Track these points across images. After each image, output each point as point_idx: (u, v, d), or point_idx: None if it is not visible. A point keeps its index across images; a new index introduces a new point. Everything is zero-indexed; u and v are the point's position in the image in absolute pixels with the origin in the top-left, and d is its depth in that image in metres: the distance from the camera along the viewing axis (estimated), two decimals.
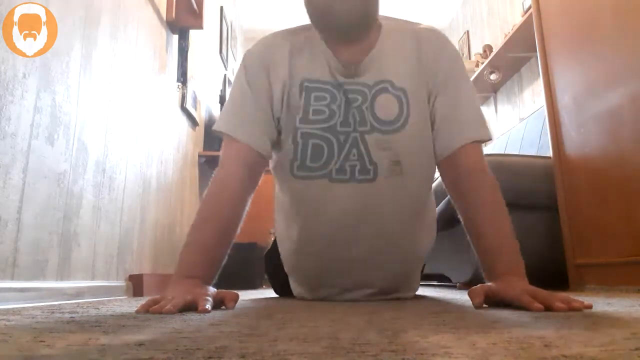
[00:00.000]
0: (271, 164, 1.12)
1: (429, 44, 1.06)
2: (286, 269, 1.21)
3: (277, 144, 1.07)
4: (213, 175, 1.00)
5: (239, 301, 0.88)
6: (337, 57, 1.02)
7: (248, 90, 1.04)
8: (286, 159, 1.05)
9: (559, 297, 0.73)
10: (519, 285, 0.78)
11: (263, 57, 1.05)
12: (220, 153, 1.03)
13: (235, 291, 0.88)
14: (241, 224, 0.99)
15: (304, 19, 1.07)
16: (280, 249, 1.20)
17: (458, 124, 1.02)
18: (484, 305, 0.82)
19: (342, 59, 1.02)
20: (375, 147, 1.01)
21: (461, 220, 0.99)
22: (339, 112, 1.02)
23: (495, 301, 0.81)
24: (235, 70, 4.27)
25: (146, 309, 0.75)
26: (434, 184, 1.19)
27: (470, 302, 0.83)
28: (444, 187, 1.07)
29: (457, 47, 1.13)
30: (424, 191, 1.11)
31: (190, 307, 0.76)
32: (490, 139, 1.06)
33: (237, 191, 0.98)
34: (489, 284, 0.85)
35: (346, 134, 1.01)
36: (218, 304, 0.83)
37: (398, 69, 1.04)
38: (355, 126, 1.01)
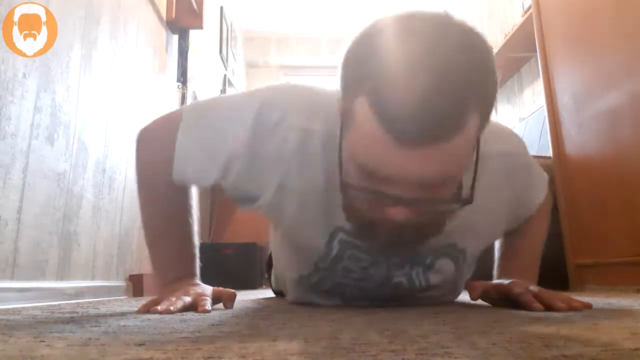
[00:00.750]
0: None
1: (520, 186, 0.84)
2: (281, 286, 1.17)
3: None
4: (140, 140, 0.86)
5: (239, 301, 0.88)
6: None
7: (240, 156, 0.75)
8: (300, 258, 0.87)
9: (559, 297, 0.73)
10: (522, 284, 0.78)
11: (277, 149, 0.75)
12: (164, 119, 0.85)
13: (235, 291, 0.88)
14: (197, 210, 0.89)
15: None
16: (274, 258, 1.17)
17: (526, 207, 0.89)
18: (484, 303, 0.82)
19: None
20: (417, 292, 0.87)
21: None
22: (378, 274, 0.82)
23: (495, 298, 0.81)
24: (235, 71, 4.28)
25: (146, 309, 0.75)
26: None
27: (470, 303, 0.83)
28: None
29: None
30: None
31: (190, 307, 0.76)
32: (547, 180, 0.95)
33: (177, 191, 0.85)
34: (492, 281, 0.85)
35: (388, 277, 0.83)
36: (215, 301, 0.83)
37: (472, 230, 0.81)
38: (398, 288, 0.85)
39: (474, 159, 0.64)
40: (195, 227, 0.87)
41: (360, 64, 0.57)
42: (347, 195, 0.66)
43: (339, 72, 0.61)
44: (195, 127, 0.77)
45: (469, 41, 0.56)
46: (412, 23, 0.57)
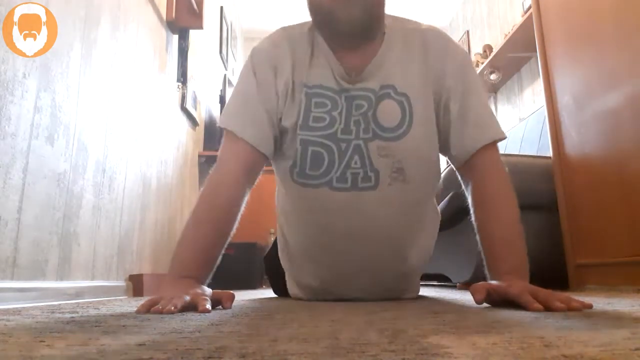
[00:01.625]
0: (273, 165, 1.11)
1: (435, 46, 1.03)
2: (284, 269, 1.21)
3: (278, 145, 1.06)
4: (211, 171, 0.99)
5: (239, 301, 0.88)
6: (341, 61, 1.00)
7: (255, 88, 1.01)
8: (286, 164, 1.04)
9: (559, 297, 0.73)
10: (520, 284, 0.78)
11: (271, 56, 1.03)
12: (220, 149, 1.02)
13: (235, 291, 0.88)
14: (237, 224, 0.98)
15: (304, 19, 1.06)
16: (279, 249, 1.20)
17: (473, 127, 0.99)
18: (484, 304, 0.82)
19: (345, 63, 1.00)
20: (377, 154, 0.99)
21: (472, 216, 0.98)
22: (340, 119, 1.00)
23: (496, 299, 0.81)
24: (235, 71, 4.28)
25: (146, 309, 0.75)
26: (442, 174, 1.18)
27: (470, 302, 0.83)
28: (459, 183, 1.06)
29: (456, 42, 1.10)
30: (427, 198, 1.10)
31: (189, 307, 0.76)
32: (504, 137, 1.03)
33: (234, 191, 0.97)
34: (491, 282, 0.85)
35: (347, 141, 0.99)
36: (215, 304, 0.83)
37: (402, 73, 1.01)
38: (356, 133, 0.99)
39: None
40: (226, 242, 0.95)
41: None
42: None
43: None
44: (231, 108, 1.04)
45: None
46: None
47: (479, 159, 0.99)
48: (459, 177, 1.06)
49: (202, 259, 0.90)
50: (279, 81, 1.01)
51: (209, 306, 0.75)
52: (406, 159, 1.00)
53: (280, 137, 1.04)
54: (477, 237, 0.95)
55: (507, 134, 1.06)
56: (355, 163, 0.99)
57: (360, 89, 1.00)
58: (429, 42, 1.03)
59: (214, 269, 0.93)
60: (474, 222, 0.97)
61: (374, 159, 0.99)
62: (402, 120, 1.00)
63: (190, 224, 0.93)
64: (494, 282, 0.84)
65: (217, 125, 1.05)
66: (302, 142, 1.00)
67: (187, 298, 0.77)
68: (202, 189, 0.98)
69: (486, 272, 0.91)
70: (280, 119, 1.02)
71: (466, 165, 1.01)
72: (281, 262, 1.20)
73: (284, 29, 1.07)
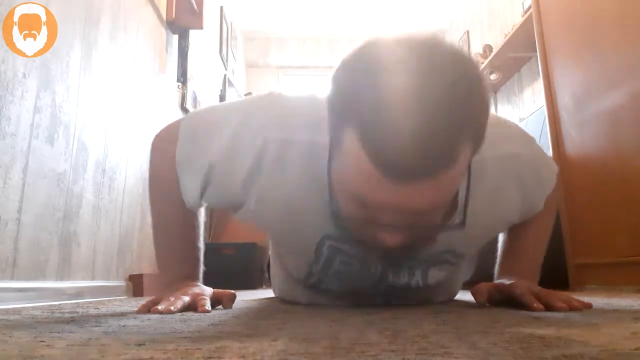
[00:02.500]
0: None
1: (531, 181, 0.82)
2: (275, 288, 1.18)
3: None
4: (153, 151, 0.88)
5: (239, 301, 0.88)
6: None
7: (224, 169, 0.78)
8: (292, 262, 0.91)
9: (559, 297, 0.73)
10: (523, 284, 0.78)
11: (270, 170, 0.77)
12: (168, 134, 0.86)
13: (235, 291, 0.88)
14: (203, 214, 0.91)
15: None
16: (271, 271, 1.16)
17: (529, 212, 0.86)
18: (486, 304, 0.82)
19: None
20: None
21: None
22: (372, 279, 0.83)
23: (497, 299, 0.81)
24: (235, 71, 4.28)
25: (147, 309, 0.75)
26: None
27: (470, 302, 0.83)
28: None
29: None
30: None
31: (189, 307, 0.76)
32: (557, 171, 0.93)
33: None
34: (495, 281, 0.85)
35: (381, 282, 0.85)
36: (215, 304, 0.83)
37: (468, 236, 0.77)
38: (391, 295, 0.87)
39: (466, 182, 0.65)
40: (201, 231, 0.89)
41: (350, 94, 0.56)
42: (339, 218, 0.67)
43: (328, 94, 0.60)
44: (187, 143, 0.80)
45: (459, 70, 0.55)
46: (401, 51, 0.56)
47: None
48: None
49: (187, 257, 0.87)
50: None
51: (208, 306, 0.75)
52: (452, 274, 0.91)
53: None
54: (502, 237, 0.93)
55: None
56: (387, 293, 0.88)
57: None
58: (524, 181, 0.81)
59: (202, 259, 0.89)
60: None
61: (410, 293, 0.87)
62: (448, 276, 0.89)
63: (159, 225, 0.88)
64: (496, 281, 0.84)
65: (181, 128, 0.83)
66: (326, 261, 0.81)
67: (187, 298, 0.77)
68: (149, 176, 0.90)
69: (496, 267, 0.91)
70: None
71: None
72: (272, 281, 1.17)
73: (305, 123, 0.77)
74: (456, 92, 0.53)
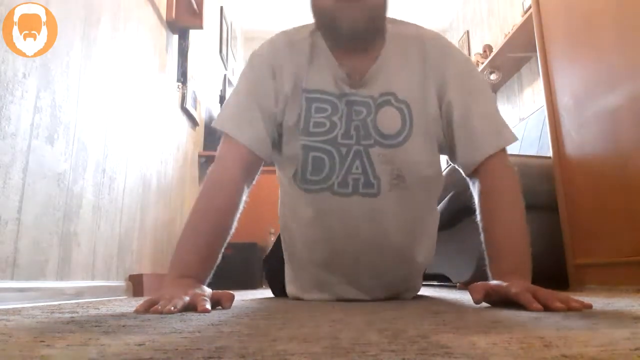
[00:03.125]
0: (277, 169, 1.12)
1: (434, 55, 1.02)
2: (287, 266, 1.20)
3: (279, 150, 1.06)
4: (209, 170, 0.99)
5: (239, 301, 0.88)
6: (343, 65, 1.00)
7: (254, 91, 1.02)
8: (288, 170, 1.04)
9: (558, 297, 0.73)
10: (520, 284, 0.78)
11: (270, 60, 1.03)
12: (218, 149, 1.02)
13: (235, 291, 0.88)
14: (236, 224, 0.98)
15: (304, 20, 1.06)
16: (283, 248, 1.19)
17: (479, 136, 0.99)
18: (484, 303, 0.82)
19: (347, 68, 1.00)
20: (378, 160, 0.99)
21: (477, 216, 0.98)
22: (340, 123, 1.00)
23: (495, 299, 0.81)
24: (235, 71, 4.28)
25: (145, 309, 0.75)
26: (444, 173, 1.18)
27: (470, 302, 0.83)
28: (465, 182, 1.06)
29: (457, 47, 1.09)
30: (428, 204, 1.10)
31: (189, 307, 0.76)
32: (514, 140, 1.01)
33: (232, 190, 0.97)
34: (491, 281, 0.85)
35: (348, 146, 1.00)
36: (214, 304, 0.83)
37: (402, 80, 1.01)
38: (357, 139, 0.99)
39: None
40: (227, 239, 0.95)
41: None
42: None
43: None
44: (225, 118, 1.03)
45: None
46: None
47: (487, 165, 0.98)
48: (466, 178, 1.06)
49: (202, 258, 0.90)
50: (278, 85, 1.02)
51: (208, 306, 0.75)
52: (406, 166, 1.00)
53: (280, 141, 1.04)
54: (482, 237, 0.95)
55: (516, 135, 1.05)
56: (357, 168, 1.00)
57: (359, 94, 1.00)
58: (428, 50, 1.03)
59: (214, 268, 0.93)
60: (479, 222, 0.97)
61: (376, 165, 1.00)
62: (402, 127, 1.00)
63: (190, 223, 0.93)
64: (494, 281, 0.84)
65: (212, 125, 1.05)
66: (303, 147, 1.00)
67: (187, 298, 0.76)
68: (200, 187, 0.98)
69: (488, 271, 0.91)
70: (280, 124, 1.02)
71: (474, 171, 1.01)
72: (285, 260, 1.20)
73: (284, 32, 1.07)
74: None
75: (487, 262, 0.92)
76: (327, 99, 1.00)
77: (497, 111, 1.04)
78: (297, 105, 1.01)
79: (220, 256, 0.94)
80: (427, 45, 1.03)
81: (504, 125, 1.02)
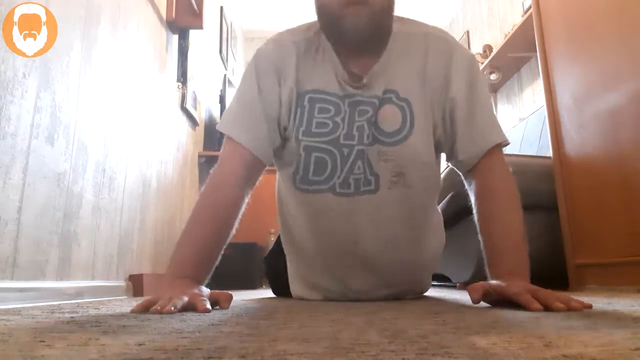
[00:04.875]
0: (277, 170, 1.12)
1: (436, 52, 1.02)
2: (290, 269, 1.20)
3: (280, 151, 1.06)
4: (211, 172, 0.99)
5: (238, 301, 0.88)
6: (347, 66, 1.00)
7: (257, 92, 1.01)
8: (289, 171, 1.04)
9: (558, 297, 0.73)
10: (520, 284, 0.78)
11: (275, 59, 1.02)
12: (221, 151, 1.02)
13: (235, 291, 0.88)
14: (237, 225, 0.98)
15: (304, 20, 1.06)
16: (282, 242, 1.19)
17: (479, 133, 0.99)
18: (484, 303, 0.82)
19: (350, 68, 1.00)
20: (377, 158, 1.00)
21: (474, 216, 0.98)
22: (343, 124, 0.99)
23: (494, 299, 0.81)
24: (235, 71, 4.28)
25: (143, 309, 0.75)
26: (442, 175, 1.19)
27: (470, 302, 0.83)
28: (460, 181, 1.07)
29: (460, 44, 1.07)
30: (428, 202, 1.10)
31: (188, 307, 0.76)
32: (508, 143, 1.03)
33: (234, 191, 0.97)
34: (491, 281, 0.85)
35: (350, 147, 0.99)
36: (212, 304, 0.83)
37: (404, 78, 1.01)
38: (359, 139, 0.99)
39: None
40: (226, 242, 0.95)
41: None
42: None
43: None
44: (228, 122, 1.03)
45: None
46: None
47: (484, 163, 0.99)
48: (463, 179, 1.06)
49: (201, 258, 0.90)
50: (282, 87, 1.01)
51: (208, 306, 0.75)
52: (406, 164, 1.00)
53: (282, 142, 1.04)
54: (479, 237, 0.95)
55: (507, 134, 1.06)
56: (359, 168, 1.00)
57: (364, 94, 1.00)
58: (431, 47, 1.03)
59: (213, 270, 0.93)
60: (476, 222, 0.97)
61: (374, 163, 1.00)
62: (403, 125, 1.00)
63: (189, 224, 0.93)
64: (493, 281, 0.84)
65: (217, 128, 1.05)
66: (305, 148, 1.00)
67: (186, 298, 0.76)
68: (202, 188, 0.98)
69: (487, 271, 0.91)
70: (283, 125, 1.02)
71: (472, 170, 1.01)
72: (287, 260, 1.20)
73: (289, 31, 1.07)
74: None
75: (485, 262, 0.92)
76: (330, 100, 1.00)
77: (493, 112, 1.06)
78: (300, 105, 1.01)
79: (220, 257, 0.94)
80: (430, 42, 1.03)
81: (499, 126, 1.04)
